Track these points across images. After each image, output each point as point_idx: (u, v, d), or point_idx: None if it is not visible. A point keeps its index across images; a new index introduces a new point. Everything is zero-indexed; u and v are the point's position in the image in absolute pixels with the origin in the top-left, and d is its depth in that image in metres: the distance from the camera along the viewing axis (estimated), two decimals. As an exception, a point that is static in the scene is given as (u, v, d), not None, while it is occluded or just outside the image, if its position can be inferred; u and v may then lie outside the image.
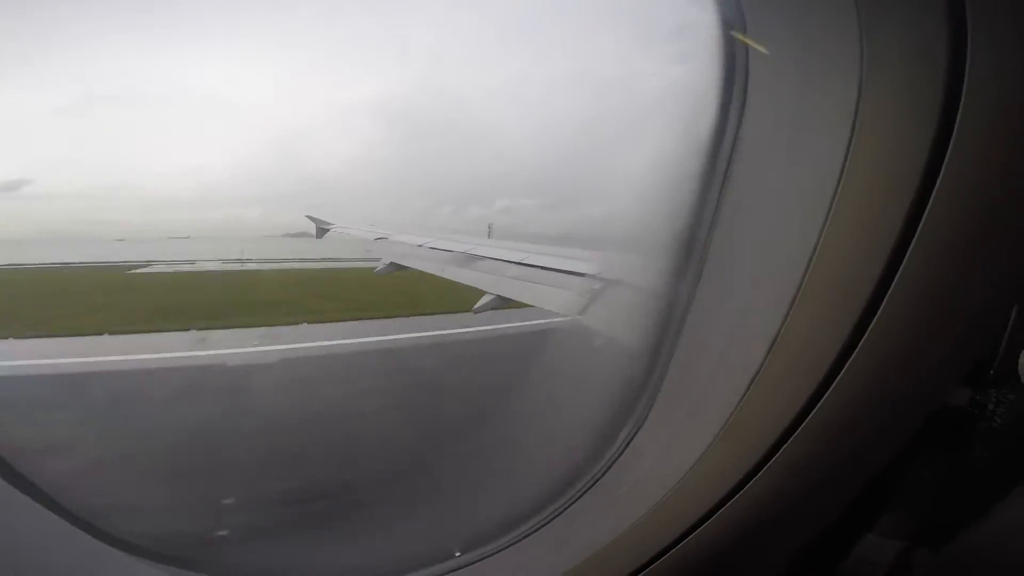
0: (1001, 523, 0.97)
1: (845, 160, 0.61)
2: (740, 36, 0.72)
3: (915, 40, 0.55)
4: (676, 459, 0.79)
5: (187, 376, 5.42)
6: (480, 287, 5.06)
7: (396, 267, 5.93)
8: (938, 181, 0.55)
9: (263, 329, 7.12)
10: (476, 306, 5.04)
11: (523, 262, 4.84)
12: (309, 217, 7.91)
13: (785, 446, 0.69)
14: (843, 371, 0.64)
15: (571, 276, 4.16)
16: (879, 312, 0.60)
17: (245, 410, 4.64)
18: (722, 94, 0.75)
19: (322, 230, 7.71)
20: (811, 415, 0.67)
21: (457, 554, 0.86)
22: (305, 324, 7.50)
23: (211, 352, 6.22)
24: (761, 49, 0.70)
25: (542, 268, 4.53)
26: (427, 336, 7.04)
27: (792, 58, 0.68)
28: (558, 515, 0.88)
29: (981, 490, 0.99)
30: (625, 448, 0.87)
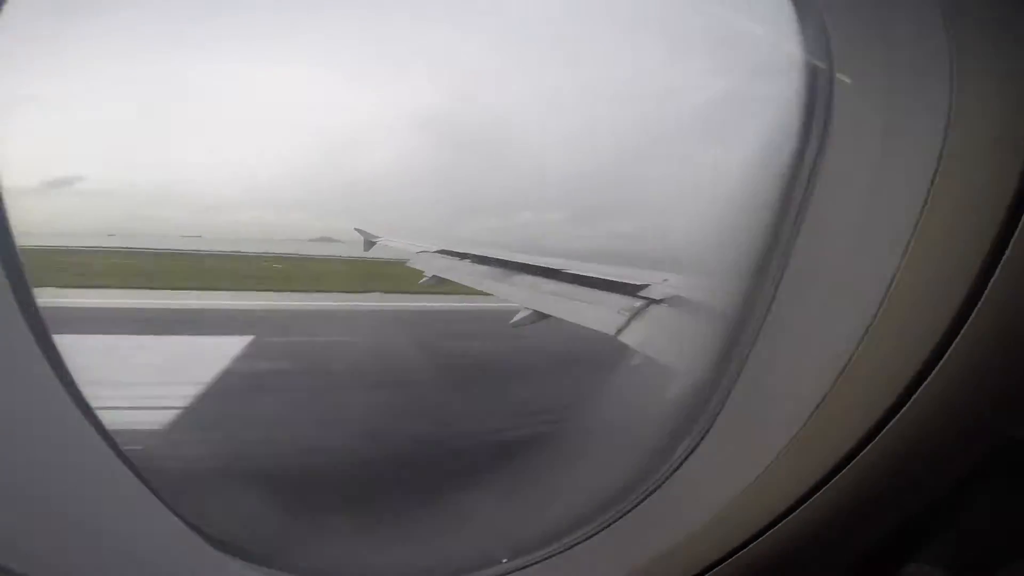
0: None
1: (925, 204, 0.62)
2: (826, 67, 0.74)
3: (1005, 92, 0.57)
4: (736, 473, 0.81)
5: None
6: (519, 302, 5.12)
7: (438, 280, 6.10)
8: (1015, 234, 0.56)
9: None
10: (513, 320, 5.11)
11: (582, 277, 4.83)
12: (358, 230, 8.31)
13: (843, 471, 0.70)
14: (909, 403, 0.64)
15: (618, 295, 4.16)
16: (950, 349, 0.61)
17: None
18: (802, 126, 0.77)
19: (369, 242, 8.08)
20: (871, 444, 0.68)
21: (504, 560, 0.90)
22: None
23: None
24: (846, 80, 0.73)
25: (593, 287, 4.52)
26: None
27: (879, 96, 0.70)
28: (617, 519, 0.92)
29: None
30: (688, 457, 0.90)
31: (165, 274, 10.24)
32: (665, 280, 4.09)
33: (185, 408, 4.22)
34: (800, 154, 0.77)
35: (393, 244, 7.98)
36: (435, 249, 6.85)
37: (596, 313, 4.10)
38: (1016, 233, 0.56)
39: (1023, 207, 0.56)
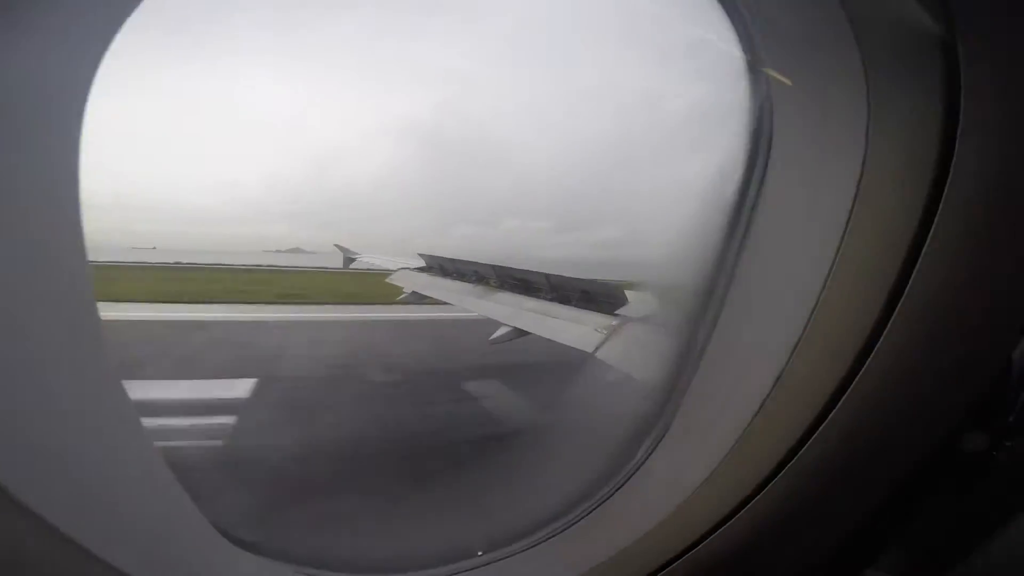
0: (989, 563, 1.00)
1: (849, 217, 0.69)
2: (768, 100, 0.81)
3: (914, 116, 0.63)
4: (690, 473, 0.86)
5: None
6: (498, 319, 5.16)
7: (418, 296, 6.10)
8: (927, 241, 0.62)
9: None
10: (492, 337, 5.13)
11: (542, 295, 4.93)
12: (337, 246, 8.26)
13: (785, 469, 0.75)
14: (839, 404, 0.69)
15: (590, 312, 4.25)
16: (872, 353, 0.66)
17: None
18: (748, 157, 0.84)
19: (348, 259, 8.03)
20: (809, 442, 0.73)
21: (480, 553, 0.93)
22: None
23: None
24: (784, 112, 0.80)
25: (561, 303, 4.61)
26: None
27: (809, 123, 0.77)
28: (580, 520, 0.95)
29: (977, 533, 1.02)
30: (646, 459, 0.95)
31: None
32: (643, 300, 4.21)
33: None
34: (745, 185, 0.84)
35: (373, 260, 7.96)
36: (415, 266, 6.86)
37: (573, 331, 4.17)
38: (925, 247, 0.63)
39: (930, 224, 0.62)
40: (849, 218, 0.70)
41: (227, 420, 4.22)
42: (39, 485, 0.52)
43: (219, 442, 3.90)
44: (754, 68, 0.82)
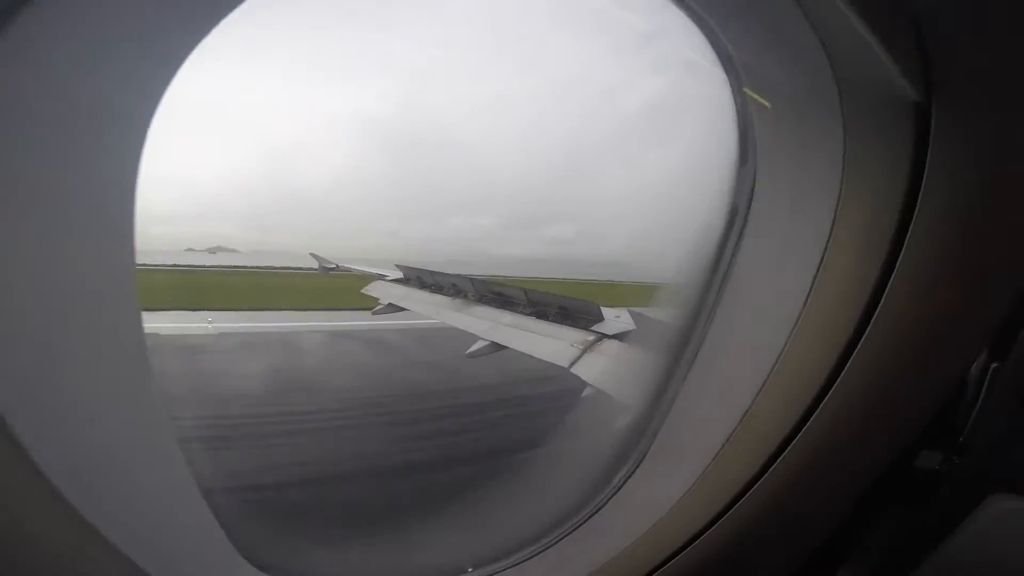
0: (937, 572, 1.08)
1: (822, 258, 0.75)
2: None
3: (885, 154, 0.69)
4: (670, 488, 0.90)
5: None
6: (476, 333, 5.16)
7: (394, 308, 6.03)
8: (893, 272, 0.69)
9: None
10: (469, 351, 5.12)
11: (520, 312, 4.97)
12: (313, 255, 8.10)
13: (760, 482, 0.81)
14: (808, 424, 0.76)
15: (567, 327, 4.31)
16: (839, 379, 0.73)
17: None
18: (737, 172, 0.90)
19: (325, 268, 7.88)
20: (781, 457, 0.79)
21: (469, 570, 0.94)
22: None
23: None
24: (767, 134, 0.86)
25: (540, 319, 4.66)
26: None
27: (791, 145, 0.84)
28: (557, 542, 0.98)
29: (926, 543, 1.11)
30: (631, 475, 0.99)
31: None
32: (618, 316, 4.31)
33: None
34: (731, 219, 0.91)
35: (348, 269, 7.84)
36: (392, 277, 6.80)
37: (551, 347, 4.21)
38: (892, 278, 0.70)
39: (896, 257, 0.69)
40: (819, 265, 0.77)
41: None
42: (81, 483, 0.55)
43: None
44: (737, 90, 0.88)
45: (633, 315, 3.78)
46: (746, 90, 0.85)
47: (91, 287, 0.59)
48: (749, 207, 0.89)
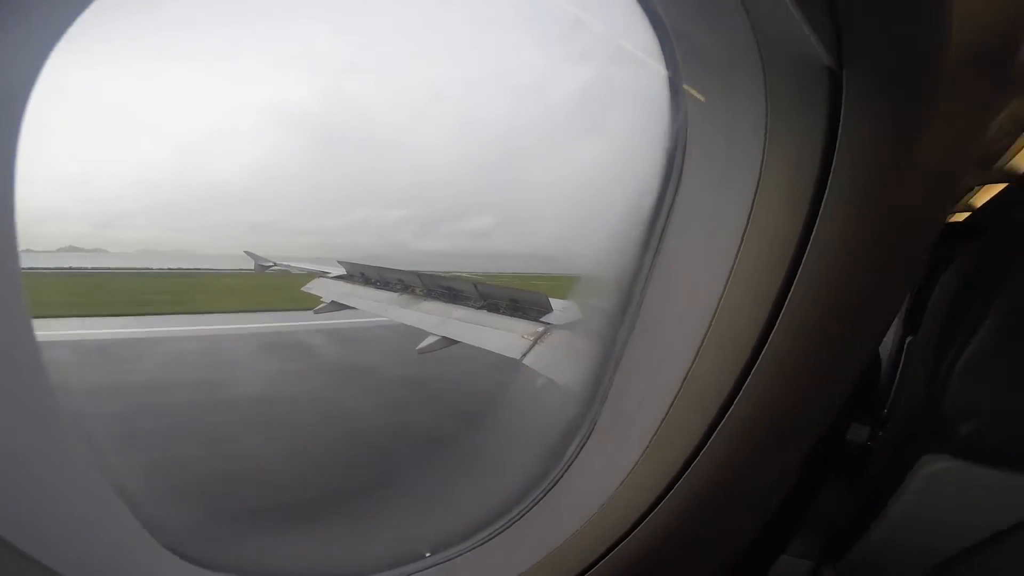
0: (876, 541, 1.18)
1: (747, 224, 0.79)
2: (683, 108, 0.89)
3: (802, 133, 0.73)
4: (614, 470, 0.93)
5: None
6: (426, 328, 5.08)
7: (338, 306, 5.80)
8: (809, 244, 0.73)
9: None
10: (420, 347, 5.04)
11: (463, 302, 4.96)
12: (248, 253, 7.57)
13: (696, 461, 0.84)
14: (737, 399, 0.80)
15: (517, 319, 4.34)
16: (762, 353, 0.77)
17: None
18: (664, 166, 0.92)
19: (261, 266, 7.41)
20: (712, 437, 0.83)
21: (427, 555, 0.93)
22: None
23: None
24: (693, 126, 0.89)
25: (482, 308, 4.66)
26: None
27: (715, 137, 0.86)
28: (513, 523, 0.98)
29: (865, 513, 1.21)
30: (572, 462, 1.00)
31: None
32: (565, 308, 4.39)
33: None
34: (660, 194, 0.93)
35: (287, 267, 7.42)
36: (334, 274, 6.52)
37: (501, 339, 4.23)
38: (805, 257, 0.74)
39: (808, 236, 0.73)
40: (744, 232, 0.80)
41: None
42: None
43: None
44: (673, 80, 0.90)
45: (578, 304, 3.87)
46: (685, 87, 0.87)
47: None
48: (679, 182, 0.91)
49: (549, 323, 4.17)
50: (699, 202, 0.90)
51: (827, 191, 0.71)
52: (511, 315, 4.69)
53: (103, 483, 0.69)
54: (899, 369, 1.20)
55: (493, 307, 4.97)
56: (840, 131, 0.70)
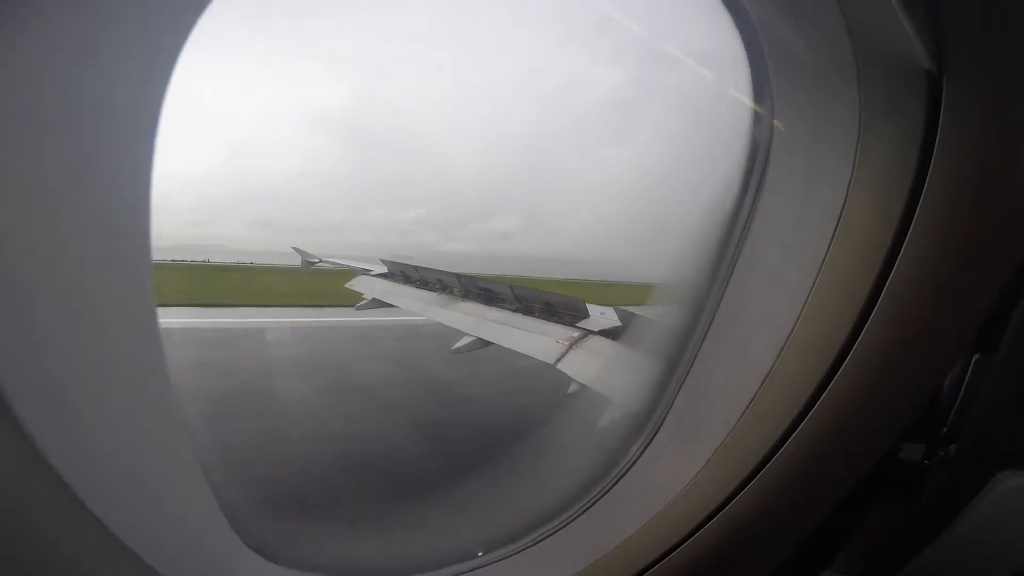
0: (936, 560, 1.13)
1: (835, 231, 0.77)
2: (769, 114, 0.87)
3: (897, 142, 0.71)
4: (677, 474, 0.92)
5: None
6: (462, 329, 5.15)
7: (379, 303, 5.97)
8: (899, 255, 0.71)
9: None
10: (455, 346, 5.11)
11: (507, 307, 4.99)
12: (295, 249, 7.93)
13: (763, 470, 0.84)
14: (809, 414, 0.79)
15: (553, 323, 4.34)
16: (841, 368, 0.76)
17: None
18: (746, 169, 0.91)
19: (308, 263, 7.73)
20: (783, 448, 0.82)
21: (480, 554, 0.95)
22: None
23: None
24: (781, 128, 0.87)
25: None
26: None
27: (804, 139, 0.84)
28: (573, 520, 0.99)
29: (920, 532, 1.16)
30: (634, 463, 1.01)
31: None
32: (603, 313, 4.36)
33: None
34: (741, 197, 0.92)
35: (333, 265, 7.71)
36: (376, 272, 6.72)
37: (537, 343, 4.23)
38: (892, 272, 0.72)
39: (896, 256, 0.71)
40: (831, 240, 0.79)
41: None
42: (93, 480, 0.55)
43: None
44: (758, 82, 0.89)
45: (619, 312, 3.83)
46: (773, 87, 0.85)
47: (106, 285, 0.59)
48: (761, 187, 0.90)
49: (586, 328, 4.13)
50: (783, 211, 0.88)
51: (921, 201, 0.69)
52: (546, 319, 4.69)
53: (202, 481, 0.71)
54: (964, 387, 1.13)
55: (528, 310, 4.98)
56: (937, 139, 0.67)
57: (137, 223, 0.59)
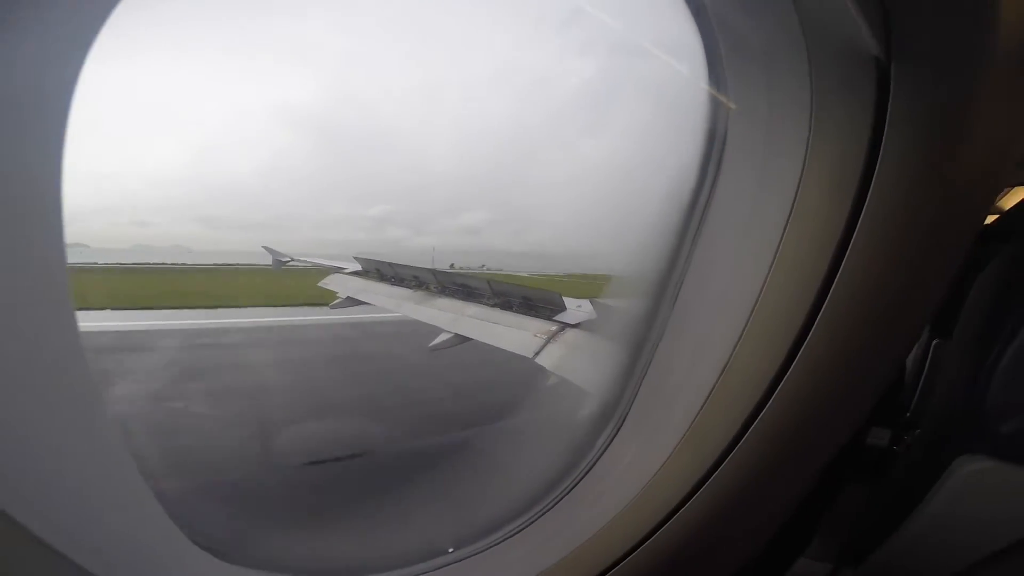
0: (904, 543, 1.17)
1: (789, 216, 0.77)
2: (724, 101, 0.87)
3: (847, 128, 0.71)
4: (642, 467, 0.92)
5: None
6: (439, 325, 5.10)
7: (353, 302, 5.86)
8: (853, 238, 0.71)
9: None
10: (433, 343, 5.07)
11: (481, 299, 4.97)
12: (266, 248, 7.70)
13: (724, 463, 0.84)
14: (771, 399, 0.79)
15: (531, 317, 4.34)
16: (799, 354, 0.76)
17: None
18: (703, 156, 0.91)
19: (279, 262, 7.53)
20: (744, 438, 0.82)
21: (451, 550, 0.93)
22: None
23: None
24: (736, 113, 0.87)
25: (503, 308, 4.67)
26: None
27: (759, 129, 0.84)
28: (538, 518, 0.98)
29: (890, 516, 1.20)
30: (598, 459, 1.00)
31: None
32: (579, 306, 4.38)
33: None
34: (699, 185, 0.92)
35: (304, 263, 7.53)
36: (350, 270, 6.59)
37: (515, 337, 4.23)
38: (845, 259, 0.72)
39: (849, 238, 0.72)
40: (785, 228, 0.79)
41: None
42: (11, 487, 0.52)
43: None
44: (712, 70, 0.88)
45: (595, 305, 3.86)
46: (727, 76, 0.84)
47: (18, 286, 0.55)
48: (717, 177, 0.90)
49: (564, 322, 4.15)
50: (738, 197, 0.88)
51: (872, 187, 0.70)
52: (524, 313, 4.69)
53: (140, 481, 0.69)
54: (924, 372, 1.17)
55: (506, 304, 4.98)
56: (887, 125, 0.68)
57: (48, 222, 0.55)
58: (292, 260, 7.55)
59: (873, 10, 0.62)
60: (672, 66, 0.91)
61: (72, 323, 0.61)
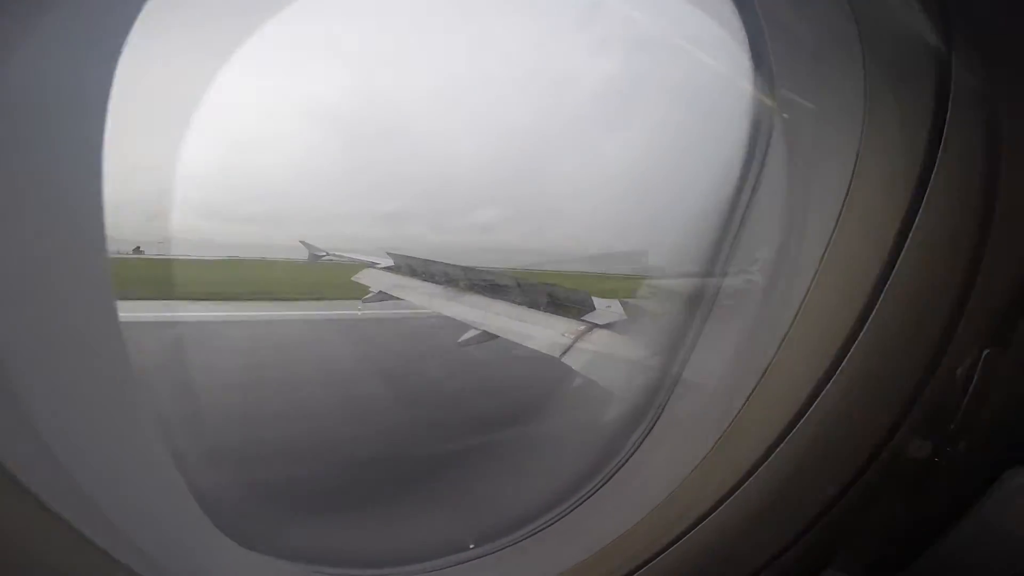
0: (944, 557, 1.11)
1: (837, 220, 0.75)
2: (771, 103, 0.85)
3: (904, 126, 0.67)
4: (673, 470, 0.91)
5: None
6: (468, 321, 5.16)
7: (385, 296, 5.99)
8: (906, 243, 0.68)
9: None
10: (461, 339, 5.13)
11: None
12: (303, 243, 7.98)
13: (764, 464, 0.82)
14: (812, 406, 0.77)
15: (559, 316, 4.32)
16: (845, 360, 0.74)
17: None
18: (746, 158, 0.89)
19: (315, 256, 7.79)
20: (786, 439, 0.80)
21: (471, 546, 0.95)
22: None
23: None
24: (783, 113, 0.85)
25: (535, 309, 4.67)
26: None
27: (807, 128, 0.81)
28: (567, 514, 0.99)
29: (927, 530, 1.14)
30: (630, 457, 1.00)
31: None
32: (608, 306, 4.33)
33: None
34: (740, 186, 0.90)
35: (340, 258, 7.76)
36: (382, 265, 6.75)
37: (542, 335, 4.23)
38: (896, 265, 0.70)
39: (904, 242, 0.69)
40: (835, 227, 0.76)
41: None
42: (52, 479, 0.52)
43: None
44: (760, 69, 0.86)
45: (624, 306, 3.81)
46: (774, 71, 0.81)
47: (61, 282, 0.57)
48: (761, 173, 0.87)
49: (592, 322, 4.12)
50: (783, 199, 0.86)
51: (931, 184, 0.66)
52: (552, 312, 4.68)
53: (179, 479, 0.70)
54: (974, 383, 1.10)
55: (534, 303, 4.97)
56: (947, 124, 0.64)
57: (90, 217, 0.57)
58: (328, 255, 7.79)
59: (929, 3, 0.59)
60: (715, 63, 0.89)
61: (115, 318, 0.61)
